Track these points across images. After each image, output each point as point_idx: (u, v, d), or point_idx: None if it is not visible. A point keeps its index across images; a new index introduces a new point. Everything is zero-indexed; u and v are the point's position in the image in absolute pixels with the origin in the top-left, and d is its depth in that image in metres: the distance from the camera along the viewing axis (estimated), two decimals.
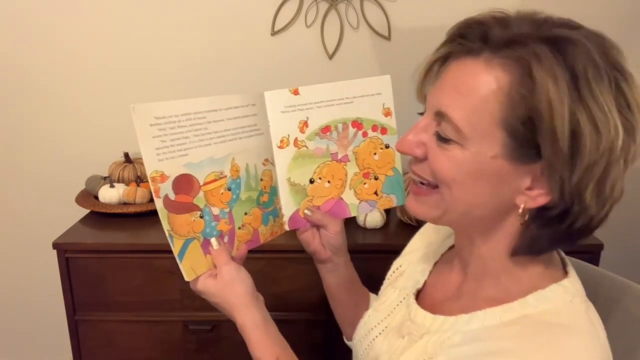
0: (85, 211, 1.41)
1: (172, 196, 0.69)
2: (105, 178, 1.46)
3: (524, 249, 0.60)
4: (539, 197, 0.56)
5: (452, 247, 0.78)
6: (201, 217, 0.72)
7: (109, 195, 1.39)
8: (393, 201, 0.90)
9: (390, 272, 0.87)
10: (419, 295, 0.75)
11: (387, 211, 1.34)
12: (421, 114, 0.63)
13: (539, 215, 0.57)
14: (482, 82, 0.54)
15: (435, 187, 0.61)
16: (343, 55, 1.50)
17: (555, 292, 0.60)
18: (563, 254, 0.66)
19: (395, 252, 1.26)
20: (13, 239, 1.66)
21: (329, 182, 0.85)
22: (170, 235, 0.69)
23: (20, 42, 1.50)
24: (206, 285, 0.72)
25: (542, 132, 0.51)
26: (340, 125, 0.84)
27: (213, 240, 0.73)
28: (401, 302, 0.76)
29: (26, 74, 1.53)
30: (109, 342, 1.32)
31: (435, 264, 0.78)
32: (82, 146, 1.57)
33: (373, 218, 1.29)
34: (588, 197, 0.53)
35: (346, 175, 0.86)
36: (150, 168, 0.67)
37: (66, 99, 1.55)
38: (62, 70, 1.52)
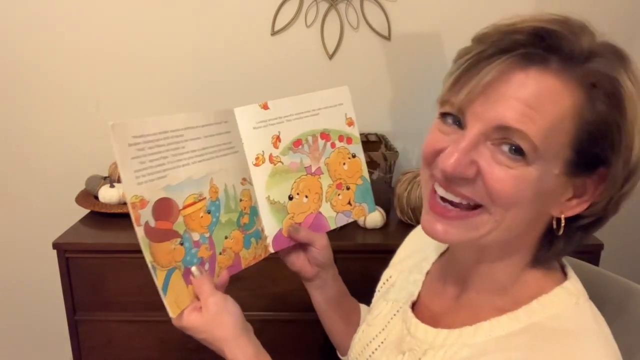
0: (85, 211, 1.41)
1: (152, 223, 0.64)
2: (105, 178, 1.46)
3: (547, 259, 0.60)
4: (576, 207, 0.55)
5: (442, 253, 0.75)
6: (181, 244, 0.67)
7: (109, 195, 1.39)
8: (365, 210, 0.89)
9: (380, 284, 0.85)
10: (414, 307, 0.71)
11: (387, 211, 1.34)
12: (445, 114, 0.57)
13: (567, 223, 0.57)
14: (560, 99, 0.50)
15: (474, 207, 0.55)
16: (343, 55, 1.50)
17: (559, 296, 0.58)
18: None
19: (395, 252, 1.26)
20: (13, 239, 1.66)
21: (306, 197, 0.83)
22: (153, 267, 0.64)
23: (21, 42, 1.50)
24: (191, 321, 0.66)
25: (618, 148, 0.52)
26: (310, 138, 0.83)
27: (194, 269, 0.68)
28: (395, 315, 0.74)
29: (26, 73, 1.52)
30: (109, 342, 1.32)
31: (427, 273, 0.75)
32: (82, 146, 1.57)
33: (373, 218, 1.29)
34: (624, 203, 0.55)
35: (321, 188, 0.85)
36: (129, 193, 0.62)
37: (67, 99, 1.55)
38: (62, 70, 1.52)
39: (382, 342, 0.74)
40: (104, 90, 1.54)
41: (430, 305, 0.70)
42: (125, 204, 1.39)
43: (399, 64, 1.52)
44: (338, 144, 0.85)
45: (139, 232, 0.63)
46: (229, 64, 1.51)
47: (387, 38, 1.49)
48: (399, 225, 1.34)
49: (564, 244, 0.59)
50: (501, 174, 0.52)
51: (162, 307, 1.35)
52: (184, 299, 0.67)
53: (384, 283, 0.84)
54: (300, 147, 0.82)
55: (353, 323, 0.88)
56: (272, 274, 1.25)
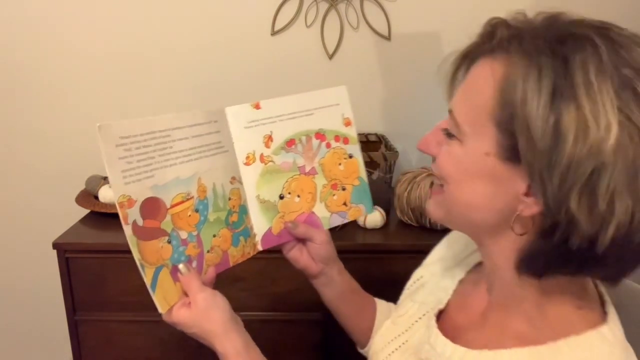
0: (85, 211, 1.41)
1: (140, 222, 0.66)
2: (105, 178, 1.46)
3: (524, 266, 0.55)
4: (533, 205, 0.51)
5: (480, 263, 0.72)
6: (169, 242, 0.69)
7: (109, 195, 1.39)
8: (362, 210, 0.89)
9: (410, 283, 0.83)
10: (440, 315, 0.70)
11: (387, 211, 1.34)
12: None
13: (538, 226, 0.53)
14: (482, 77, 0.54)
15: None
16: (343, 55, 1.50)
17: (592, 340, 0.53)
18: (603, 290, 0.61)
19: (395, 252, 1.27)
20: (13, 239, 1.66)
21: (298, 196, 0.83)
22: (142, 265, 0.66)
23: (20, 42, 1.50)
24: (180, 317, 0.68)
25: (517, 125, 0.49)
26: (304, 138, 0.83)
27: (181, 267, 0.70)
28: (421, 318, 0.73)
29: (26, 73, 1.53)
30: (109, 342, 1.32)
31: (461, 281, 0.73)
32: (82, 146, 1.57)
33: (373, 218, 1.29)
34: (574, 206, 0.47)
35: (315, 188, 0.84)
36: (117, 193, 0.64)
37: (66, 99, 1.55)
38: (62, 70, 1.52)
39: (403, 344, 0.73)
40: (104, 90, 1.54)
41: (456, 317, 0.69)
42: None
43: (398, 64, 1.52)
44: (334, 144, 0.85)
45: (127, 230, 0.65)
46: (229, 64, 1.51)
47: (387, 38, 1.49)
48: (399, 226, 1.34)
49: (536, 252, 0.54)
50: (442, 151, 0.59)
51: None
52: (172, 296, 0.69)
53: (414, 282, 0.82)
54: (293, 146, 0.82)
55: (367, 318, 0.88)
56: (272, 274, 1.25)
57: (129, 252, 1.35)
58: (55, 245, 1.25)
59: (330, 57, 1.50)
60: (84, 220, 1.39)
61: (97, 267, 1.26)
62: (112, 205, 1.38)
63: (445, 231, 1.31)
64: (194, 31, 1.49)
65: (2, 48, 1.51)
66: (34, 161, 1.60)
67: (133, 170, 0.65)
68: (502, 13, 0.57)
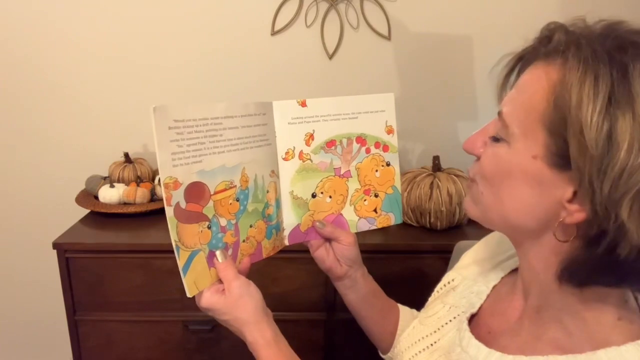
0: (85, 211, 1.41)
1: (183, 204, 0.67)
2: (105, 178, 1.46)
3: (566, 274, 0.54)
4: (577, 212, 0.51)
5: (516, 269, 0.70)
6: (209, 227, 0.70)
7: (109, 195, 1.39)
8: (391, 219, 0.90)
9: (440, 285, 0.82)
10: (471, 319, 0.69)
11: None
12: None
13: (583, 234, 0.52)
14: (536, 80, 0.53)
15: None
16: (343, 55, 1.50)
17: (632, 354, 0.52)
18: None
19: (395, 252, 1.27)
20: (13, 239, 1.66)
21: (330, 197, 0.85)
22: (177, 247, 0.66)
23: (22, 41, 1.50)
24: (214, 302, 0.69)
25: (569, 129, 0.49)
26: (345, 140, 0.84)
27: (218, 253, 0.71)
28: (451, 320, 0.72)
29: (26, 73, 1.53)
30: (109, 342, 1.32)
31: (495, 286, 0.71)
32: (82, 146, 1.57)
33: None
34: (625, 214, 0.47)
35: (347, 191, 0.86)
36: (164, 174, 0.65)
37: (66, 99, 1.55)
38: (63, 70, 1.52)
39: (431, 344, 0.72)
40: (104, 90, 1.54)
41: (490, 322, 0.67)
42: (125, 204, 1.40)
43: (399, 64, 1.52)
44: (373, 150, 0.86)
45: (169, 212, 0.65)
46: (228, 64, 1.52)
47: (387, 38, 1.49)
48: (399, 226, 1.33)
49: (580, 260, 0.53)
50: (487, 151, 0.59)
51: (162, 307, 1.35)
52: (204, 281, 0.70)
53: (444, 285, 0.81)
54: (333, 147, 0.83)
55: (389, 322, 0.87)
56: (272, 274, 1.25)
57: (129, 252, 1.35)
58: (55, 245, 1.25)
59: (330, 57, 1.50)
60: (84, 220, 1.39)
61: (97, 267, 1.26)
62: (112, 205, 1.39)
63: (445, 232, 1.31)
64: (193, 32, 1.49)
65: (2, 47, 1.51)
66: (34, 161, 1.60)
67: (183, 154, 0.66)
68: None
